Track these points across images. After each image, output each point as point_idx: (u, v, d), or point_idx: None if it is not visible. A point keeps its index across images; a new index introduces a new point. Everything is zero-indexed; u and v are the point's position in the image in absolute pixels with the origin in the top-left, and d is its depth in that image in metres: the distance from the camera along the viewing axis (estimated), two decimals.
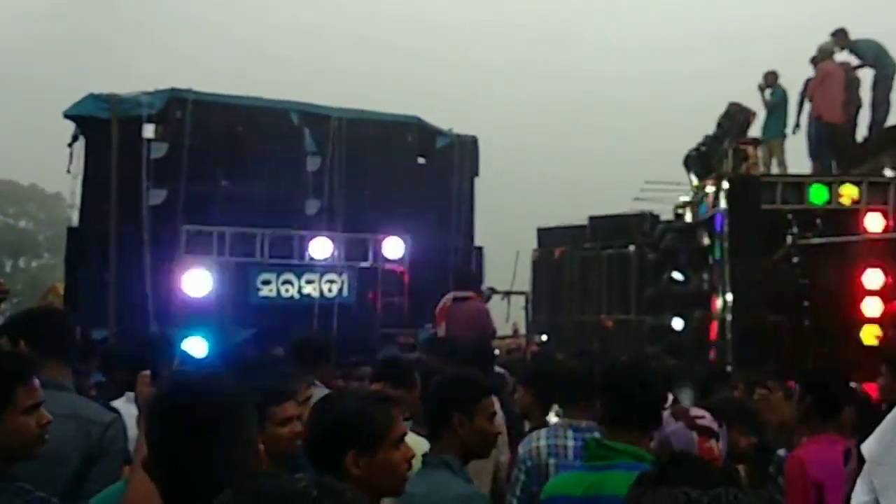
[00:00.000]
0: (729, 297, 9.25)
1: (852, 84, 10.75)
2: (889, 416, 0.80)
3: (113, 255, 9.57)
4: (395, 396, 3.48)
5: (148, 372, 2.81)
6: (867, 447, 0.80)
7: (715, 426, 3.00)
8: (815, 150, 10.78)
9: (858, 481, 0.81)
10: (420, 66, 28.83)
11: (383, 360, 4.40)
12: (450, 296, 7.73)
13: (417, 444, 2.95)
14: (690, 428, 2.94)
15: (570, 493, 2.75)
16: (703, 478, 1.24)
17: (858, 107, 10.80)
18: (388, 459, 2.24)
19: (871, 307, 8.83)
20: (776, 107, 11.08)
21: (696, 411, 3.06)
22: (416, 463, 2.78)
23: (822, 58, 10.66)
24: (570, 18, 30.94)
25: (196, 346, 9.08)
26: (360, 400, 2.41)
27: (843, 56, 10.87)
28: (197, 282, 9.37)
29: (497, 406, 3.17)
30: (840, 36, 10.73)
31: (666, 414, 2.99)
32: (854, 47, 10.71)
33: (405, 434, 2.35)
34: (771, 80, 11.23)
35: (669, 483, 1.23)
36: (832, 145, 10.50)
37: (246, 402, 1.88)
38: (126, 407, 3.43)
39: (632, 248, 14.31)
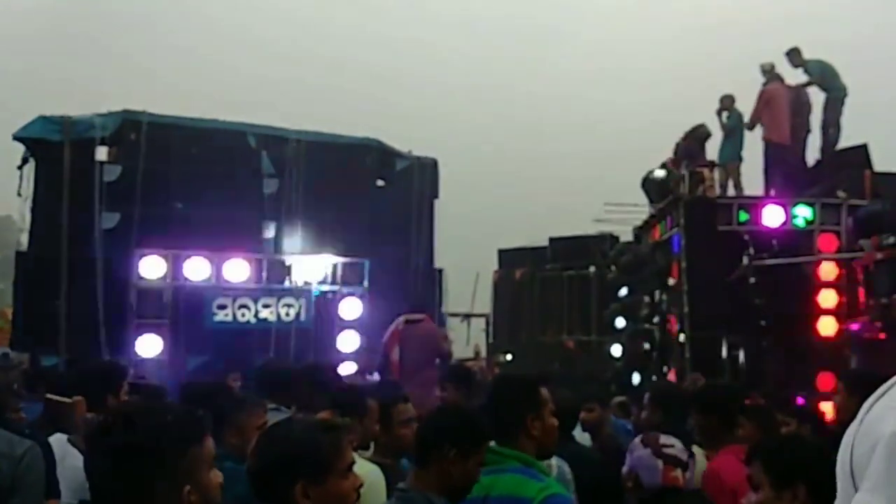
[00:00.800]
0: (687, 317, 9.32)
1: (803, 107, 10.95)
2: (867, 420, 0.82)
3: (64, 279, 9.35)
4: (344, 424, 3.49)
5: (81, 398, 2.70)
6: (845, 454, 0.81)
7: (684, 456, 3.00)
8: (768, 173, 10.97)
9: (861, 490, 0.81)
10: (379, 88, 28.85)
11: (337, 388, 4.30)
12: (401, 319, 7.57)
13: (368, 472, 2.95)
14: (657, 456, 2.93)
15: (468, 496, 2.84)
16: None
17: (808, 130, 11.01)
18: (337, 489, 2.19)
19: (826, 327, 8.97)
20: (733, 130, 11.23)
21: (665, 439, 3.05)
22: (372, 493, 2.79)
23: (766, 80, 10.86)
24: (532, 43, 31.29)
25: (149, 372, 8.92)
26: (309, 428, 2.36)
27: (792, 76, 11.08)
28: (150, 307, 9.18)
29: None
30: (793, 55, 10.93)
31: (637, 440, 3.04)
32: (805, 66, 10.91)
33: (353, 463, 2.30)
34: (727, 103, 11.40)
35: None
36: (783, 166, 10.68)
37: (194, 431, 1.82)
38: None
39: (592, 269, 14.42)
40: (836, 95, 10.80)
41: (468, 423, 2.83)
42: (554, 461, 3.32)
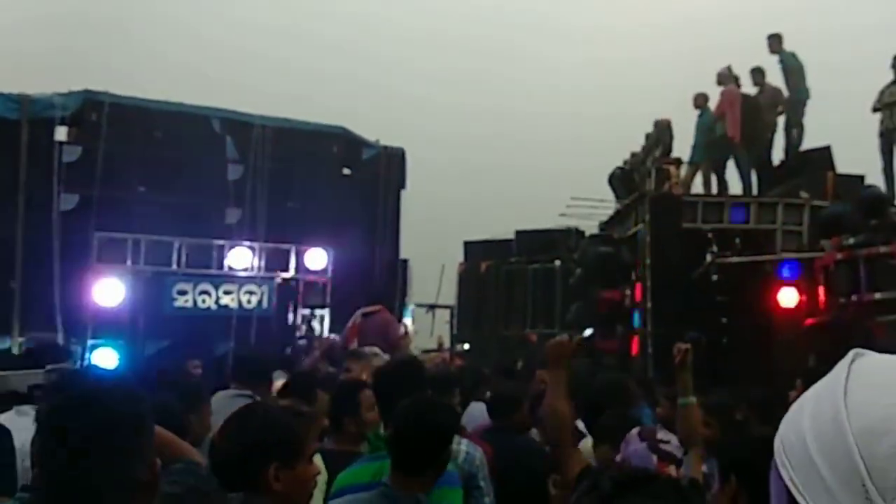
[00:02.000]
0: (650, 312, 9.39)
1: (762, 109, 11.03)
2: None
3: (19, 261, 9.14)
4: (312, 413, 3.49)
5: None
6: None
7: (679, 453, 3.03)
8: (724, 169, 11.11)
9: None
10: (345, 72, 28.64)
11: (294, 374, 4.27)
12: (358, 313, 7.69)
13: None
14: (652, 451, 2.96)
15: (359, 481, 2.92)
16: (656, 493, 1.19)
17: (773, 131, 11.12)
18: (304, 474, 2.24)
19: (786, 324, 9.10)
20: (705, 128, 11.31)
21: (662, 434, 3.10)
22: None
23: (723, 83, 10.94)
24: (502, 30, 31.21)
25: (106, 357, 8.77)
26: (283, 413, 2.41)
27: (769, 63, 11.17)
28: (109, 291, 9.02)
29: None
30: (774, 41, 10.99)
31: (633, 432, 3.07)
32: (781, 55, 10.97)
33: (315, 452, 2.38)
34: (700, 101, 11.49)
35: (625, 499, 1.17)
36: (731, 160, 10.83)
37: (143, 414, 1.78)
38: (14, 420, 3.25)
39: (557, 262, 14.46)
40: (798, 98, 10.92)
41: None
42: (463, 446, 3.35)
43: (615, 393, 4.04)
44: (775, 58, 11.02)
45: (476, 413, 4.90)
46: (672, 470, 2.95)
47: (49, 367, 3.76)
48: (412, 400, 2.90)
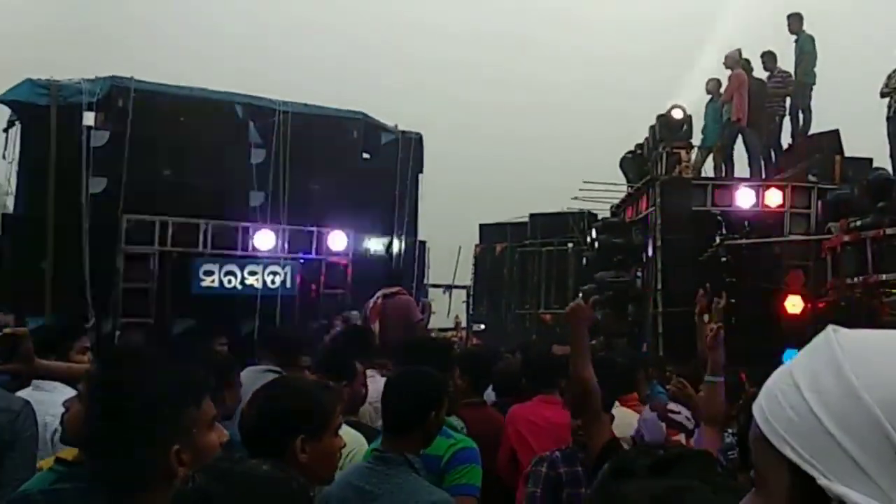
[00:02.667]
0: (660, 293, 9.60)
1: (779, 92, 11.18)
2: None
3: (50, 242, 9.41)
4: (338, 387, 3.67)
5: None
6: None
7: (690, 424, 3.22)
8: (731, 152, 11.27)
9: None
10: (366, 60, 28.78)
11: (325, 353, 4.47)
12: (379, 294, 7.91)
13: (353, 439, 3.07)
14: (662, 420, 3.16)
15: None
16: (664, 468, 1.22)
17: (782, 115, 11.27)
18: (330, 446, 2.27)
19: (794, 305, 9.29)
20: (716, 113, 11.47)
21: (673, 406, 3.31)
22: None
23: (731, 67, 11.08)
24: (521, 22, 31.24)
25: (135, 336, 9.09)
26: (311, 385, 2.46)
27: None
28: (137, 271, 9.34)
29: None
30: (794, 20, 11.09)
31: (647, 406, 3.31)
32: (799, 37, 11.07)
33: (340, 425, 2.41)
34: (712, 87, 11.65)
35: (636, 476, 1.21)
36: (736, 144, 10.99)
37: (188, 393, 1.87)
38: (33, 395, 3.29)
39: (570, 245, 14.69)
40: (806, 81, 11.04)
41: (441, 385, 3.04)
42: None
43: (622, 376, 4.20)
44: (791, 38, 11.13)
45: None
46: (682, 438, 3.13)
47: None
48: (402, 369, 3.08)
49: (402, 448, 2.77)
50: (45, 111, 9.56)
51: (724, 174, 11.09)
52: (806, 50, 11.02)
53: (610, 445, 2.94)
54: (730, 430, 4.05)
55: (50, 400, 3.12)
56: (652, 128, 11.73)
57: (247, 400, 2.44)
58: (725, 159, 11.27)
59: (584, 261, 13.06)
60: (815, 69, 11.06)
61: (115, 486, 1.71)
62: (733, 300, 9.56)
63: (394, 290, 7.96)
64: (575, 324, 3.12)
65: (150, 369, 1.89)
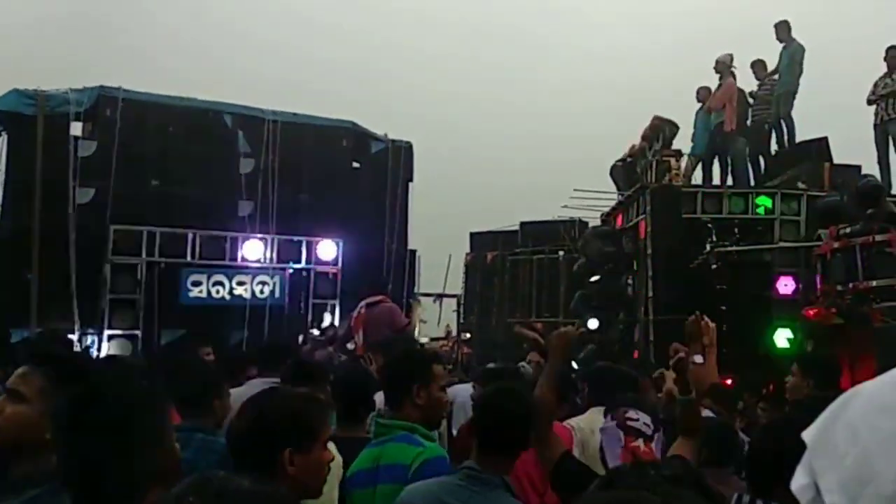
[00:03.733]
0: (651, 301, 9.59)
1: (768, 100, 11.21)
2: (830, 406, 0.85)
3: (36, 252, 9.33)
4: (326, 399, 3.62)
5: None
6: (807, 434, 0.85)
7: (648, 430, 3.21)
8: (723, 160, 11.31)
9: (798, 467, 0.86)
10: (354, 68, 28.83)
11: (297, 362, 4.42)
12: (362, 304, 7.91)
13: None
14: (619, 427, 3.16)
15: (364, 467, 3.05)
16: (644, 481, 1.28)
17: (771, 123, 11.30)
18: (319, 459, 2.24)
19: (784, 312, 9.30)
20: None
21: (632, 413, 3.28)
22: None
23: (725, 72, 11.09)
24: (513, 22, 31.30)
25: (121, 348, 9.02)
26: (299, 397, 2.43)
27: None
28: (124, 282, 9.28)
29: None
30: (781, 28, 11.11)
31: (609, 416, 3.28)
32: (787, 45, 11.10)
33: (330, 438, 2.40)
34: (703, 95, 11.67)
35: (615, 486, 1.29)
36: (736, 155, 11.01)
37: (159, 401, 1.88)
38: None
39: (561, 253, 14.68)
40: (789, 90, 11.07)
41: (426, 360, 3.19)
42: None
43: (627, 384, 4.19)
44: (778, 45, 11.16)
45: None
46: (640, 443, 3.13)
47: None
48: (497, 386, 3.11)
49: (498, 469, 2.76)
50: (31, 121, 9.50)
51: (711, 182, 11.12)
52: (797, 59, 11.05)
53: (563, 458, 3.04)
54: None
55: None
56: (644, 136, 11.77)
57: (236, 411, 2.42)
58: (705, 168, 11.32)
59: (575, 269, 13.04)
60: (799, 79, 11.09)
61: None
62: (723, 307, 9.59)
63: (377, 299, 7.93)
64: (557, 349, 3.31)
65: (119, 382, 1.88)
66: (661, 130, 11.62)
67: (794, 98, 11.08)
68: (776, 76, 11.21)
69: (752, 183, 10.84)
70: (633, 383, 4.35)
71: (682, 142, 11.90)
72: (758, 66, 11.29)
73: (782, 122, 11.14)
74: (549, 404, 3.14)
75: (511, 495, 2.72)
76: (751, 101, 11.43)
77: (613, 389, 3.84)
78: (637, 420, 3.23)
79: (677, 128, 11.73)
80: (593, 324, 10.88)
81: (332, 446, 2.43)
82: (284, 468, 2.12)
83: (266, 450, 2.15)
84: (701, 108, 11.66)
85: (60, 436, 1.77)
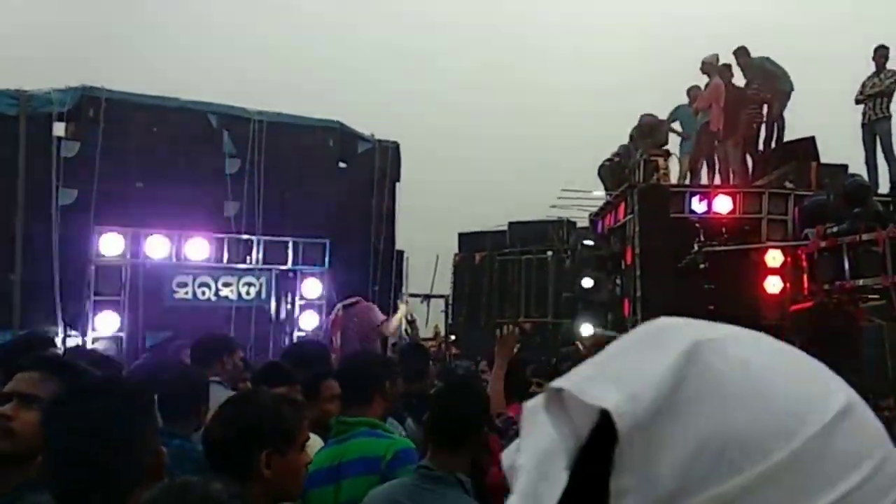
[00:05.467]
0: (639, 301, 9.58)
1: (747, 100, 11.19)
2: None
3: (19, 254, 9.25)
4: (303, 401, 3.59)
5: None
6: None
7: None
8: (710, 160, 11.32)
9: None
10: (340, 69, 28.78)
11: (271, 364, 4.35)
12: (339, 306, 7.92)
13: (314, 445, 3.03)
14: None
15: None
16: None
17: (760, 122, 11.31)
18: (295, 462, 2.25)
19: (772, 311, 9.32)
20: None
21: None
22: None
23: (712, 72, 11.09)
24: (501, 22, 31.29)
25: (107, 349, 8.91)
26: (276, 400, 2.41)
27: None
28: (109, 284, 9.18)
29: None
30: (740, 53, 11.17)
31: None
32: (746, 69, 11.13)
33: (307, 440, 2.38)
34: (693, 94, 11.67)
35: None
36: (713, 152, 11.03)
37: (145, 404, 1.88)
38: None
39: (550, 253, 14.67)
40: (784, 89, 11.09)
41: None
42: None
43: None
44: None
45: None
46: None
47: None
48: (449, 383, 3.33)
49: (452, 466, 2.70)
50: (13, 122, 9.40)
51: (698, 181, 11.13)
52: (769, 71, 11.06)
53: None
54: None
55: None
56: (631, 134, 11.77)
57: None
58: (692, 167, 11.32)
59: (564, 269, 13.05)
60: (785, 82, 11.09)
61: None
62: (712, 307, 9.58)
63: (353, 300, 7.97)
64: (503, 349, 3.92)
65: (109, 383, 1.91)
66: (653, 128, 11.64)
67: (787, 98, 11.10)
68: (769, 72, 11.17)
69: (741, 182, 10.85)
70: None
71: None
72: (740, 53, 11.20)
73: (775, 122, 11.16)
74: (498, 401, 3.42)
75: (466, 493, 2.67)
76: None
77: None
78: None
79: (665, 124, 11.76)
80: (586, 329, 10.86)
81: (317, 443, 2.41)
82: (261, 471, 2.12)
83: (242, 452, 2.14)
84: (687, 106, 11.66)
85: (48, 435, 1.77)
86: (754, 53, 11.17)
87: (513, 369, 4.35)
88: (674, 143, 11.76)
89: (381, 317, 8.00)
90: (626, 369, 0.55)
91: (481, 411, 2.90)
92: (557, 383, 0.56)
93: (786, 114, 11.22)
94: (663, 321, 0.61)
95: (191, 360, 4.50)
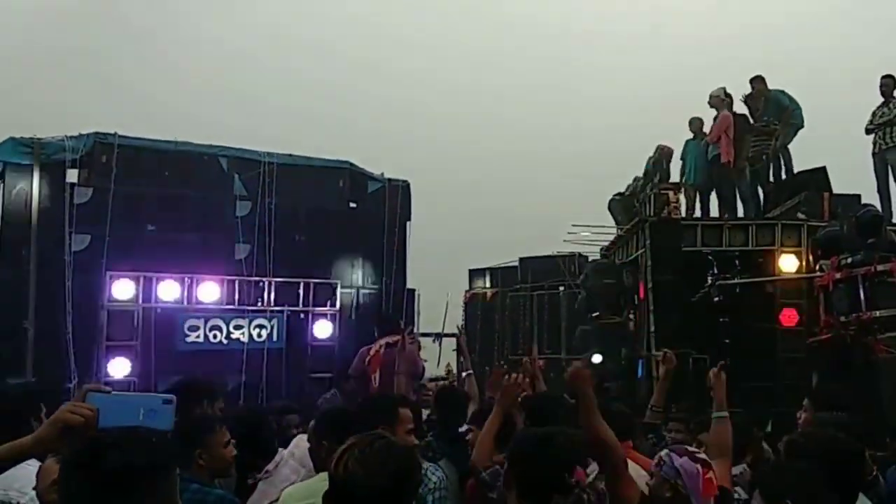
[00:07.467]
0: (653, 335, 9.49)
1: (764, 131, 11.21)
2: None
3: (32, 300, 9.27)
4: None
5: None
6: None
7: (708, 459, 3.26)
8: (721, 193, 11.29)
9: None
10: (350, 109, 29.06)
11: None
12: (382, 342, 7.72)
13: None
14: (694, 461, 3.16)
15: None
16: None
17: (769, 154, 11.29)
18: None
19: (789, 343, 9.20)
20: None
21: (691, 448, 3.33)
22: None
23: (719, 106, 11.11)
24: (499, 69, 31.67)
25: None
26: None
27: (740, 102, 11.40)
28: (121, 329, 9.18)
29: None
30: (756, 82, 11.20)
31: (663, 452, 3.25)
32: (760, 102, 11.17)
33: None
34: (696, 126, 11.69)
35: None
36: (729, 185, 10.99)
37: (168, 457, 1.85)
38: None
39: (561, 288, 14.60)
40: (794, 122, 11.08)
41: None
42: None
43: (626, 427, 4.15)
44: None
45: None
46: (712, 475, 3.13)
47: None
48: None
49: None
50: (28, 170, 9.49)
51: (709, 215, 11.08)
52: (783, 104, 11.08)
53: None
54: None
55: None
56: (646, 168, 11.78)
57: None
58: (703, 200, 11.29)
59: (576, 304, 12.95)
60: (796, 116, 11.09)
61: None
62: (727, 340, 9.49)
63: (396, 338, 7.70)
64: (578, 386, 3.23)
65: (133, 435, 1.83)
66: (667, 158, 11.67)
67: (796, 131, 11.09)
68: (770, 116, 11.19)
69: (753, 214, 10.81)
70: (627, 422, 4.26)
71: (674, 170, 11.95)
72: (757, 82, 11.23)
73: (781, 154, 11.14)
74: (605, 440, 3.10)
75: None
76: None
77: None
78: (700, 452, 3.27)
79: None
80: (597, 358, 10.77)
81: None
82: None
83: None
84: (693, 139, 11.66)
85: (67, 490, 1.74)
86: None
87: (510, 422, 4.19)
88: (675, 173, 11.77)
89: (422, 363, 7.92)
90: None
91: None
92: None
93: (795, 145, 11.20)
94: None
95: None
